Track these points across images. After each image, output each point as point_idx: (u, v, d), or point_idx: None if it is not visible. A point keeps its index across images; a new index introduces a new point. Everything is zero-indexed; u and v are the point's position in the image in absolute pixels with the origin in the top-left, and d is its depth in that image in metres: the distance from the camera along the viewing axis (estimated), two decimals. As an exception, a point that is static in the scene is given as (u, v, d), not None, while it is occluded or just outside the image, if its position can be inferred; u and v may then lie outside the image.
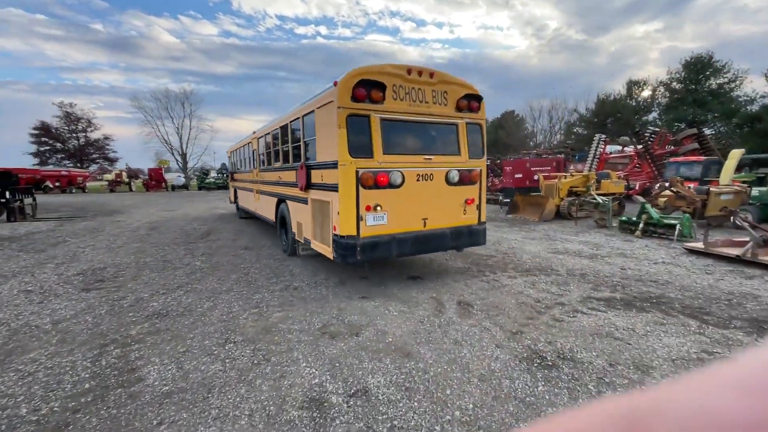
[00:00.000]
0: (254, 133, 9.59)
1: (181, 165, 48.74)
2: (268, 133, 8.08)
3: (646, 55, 73.76)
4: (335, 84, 4.51)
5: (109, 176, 40.64)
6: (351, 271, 5.99)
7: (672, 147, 18.68)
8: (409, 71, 4.81)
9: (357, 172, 4.53)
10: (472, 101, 5.33)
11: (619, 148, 22.56)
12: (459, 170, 5.23)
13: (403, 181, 4.80)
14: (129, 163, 42.83)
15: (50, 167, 43.19)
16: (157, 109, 51.20)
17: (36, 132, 46.46)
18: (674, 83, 34.49)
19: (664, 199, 10.87)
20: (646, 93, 38.61)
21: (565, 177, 12.58)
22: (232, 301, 4.69)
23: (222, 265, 6.48)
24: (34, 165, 43.89)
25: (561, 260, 6.57)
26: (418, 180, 4.92)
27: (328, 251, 4.98)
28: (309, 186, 5.53)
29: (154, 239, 9.25)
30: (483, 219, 5.58)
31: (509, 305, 4.41)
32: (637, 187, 16.92)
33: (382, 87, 4.62)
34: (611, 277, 5.53)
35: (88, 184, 42.72)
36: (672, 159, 15.36)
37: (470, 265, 6.33)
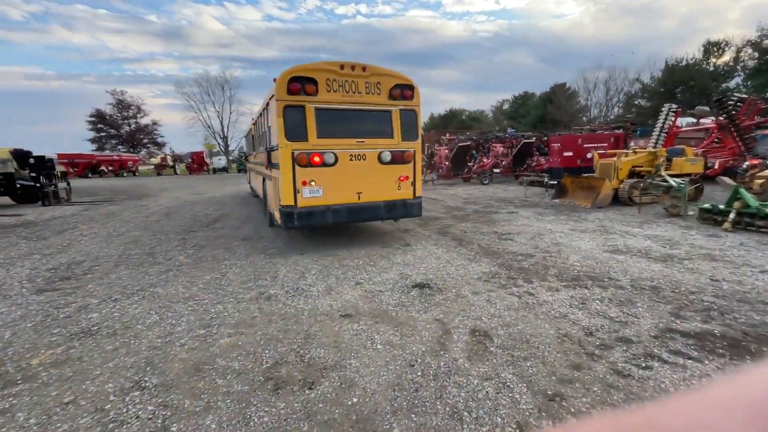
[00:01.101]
0: (252, 119, 10.77)
1: (222, 148, 49.99)
2: (256, 121, 9.53)
3: (724, 16, 64.06)
4: (275, 81, 5.53)
5: (155, 160, 42.43)
6: (350, 277, 4.88)
7: (762, 117, 15.42)
8: (342, 66, 5.70)
9: (293, 153, 5.54)
10: (405, 90, 6.14)
11: (692, 120, 19.27)
12: (391, 151, 6.15)
13: (336, 161, 5.80)
14: (173, 147, 44.50)
15: (106, 152, 45.94)
16: (199, 94, 52.20)
17: (92, 119, 49.55)
18: (766, 41, 29.13)
19: (761, 180, 8.60)
20: (727, 56, 33.20)
21: (626, 155, 10.50)
22: (185, 314, 3.75)
23: (204, 261, 5.64)
24: (92, 150, 46.93)
25: (622, 264, 5.01)
26: (351, 159, 5.90)
27: (278, 218, 6.05)
28: (270, 165, 6.71)
29: (158, 227, 8.71)
30: (418, 194, 6.49)
31: (546, 340, 3.07)
32: (716, 166, 14.15)
33: (314, 82, 5.54)
34: (699, 293, 3.94)
35: (139, 167, 45.04)
36: (766, 131, 12.50)
37: (499, 268, 4.97)
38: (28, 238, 7.85)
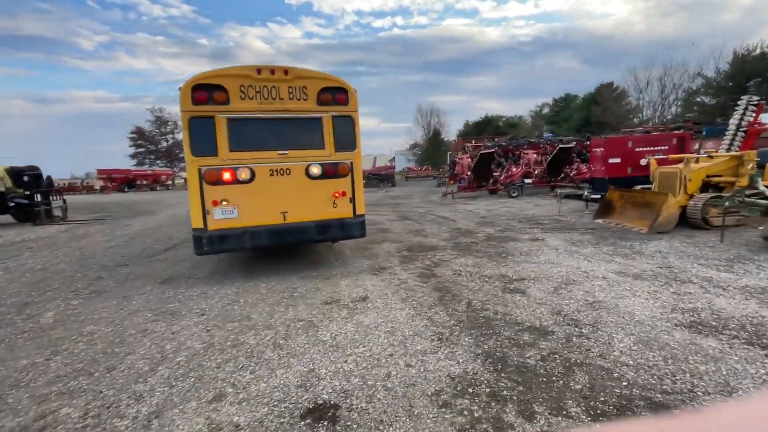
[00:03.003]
0: None
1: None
2: None
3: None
4: (180, 90, 4.80)
5: (185, 174, 43.30)
6: (212, 381, 2.96)
7: None
8: (259, 71, 4.96)
9: (199, 170, 4.80)
10: (337, 94, 5.31)
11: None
12: (322, 164, 5.27)
13: (253, 176, 5.00)
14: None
15: (145, 167, 47.75)
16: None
17: (133, 136, 51.94)
18: None
19: None
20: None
21: (697, 160, 7.83)
22: None
23: (71, 324, 3.97)
24: (133, 166, 49.04)
25: (715, 362, 2.69)
26: (272, 175, 5.09)
27: None
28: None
29: (99, 257, 7.31)
30: (359, 212, 5.54)
31: None
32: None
33: (224, 89, 4.83)
34: None
35: (174, 181, 46.29)
36: None
37: (482, 365, 2.83)
38: (-55, 271, 6.70)
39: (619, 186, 9.07)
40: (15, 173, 13.71)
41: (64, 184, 38.34)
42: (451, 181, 19.21)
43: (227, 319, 3.92)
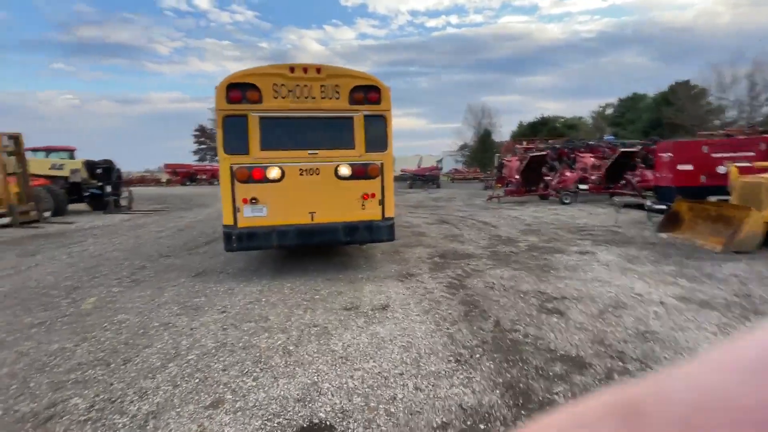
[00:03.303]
0: None
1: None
2: None
3: None
4: (216, 89, 4.86)
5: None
6: (215, 384, 2.90)
7: None
8: (292, 69, 4.96)
9: (231, 167, 4.85)
10: (369, 92, 5.19)
11: None
12: (351, 164, 5.18)
13: (283, 176, 5.00)
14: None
15: (205, 162, 51.24)
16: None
17: (196, 133, 55.96)
18: None
19: None
20: None
21: (792, 169, 6.66)
22: None
23: (103, 312, 4.19)
24: (195, 161, 52.87)
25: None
26: (301, 174, 5.04)
27: None
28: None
29: (149, 246, 7.81)
30: (388, 214, 5.39)
31: None
32: None
33: (257, 88, 4.84)
34: None
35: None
36: None
37: (500, 397, 2.50)
38: (21, 253, 7.50)
39: (688, 196, 8.01)
40: (90, 166, 15.22)
41: (133, 177, 42.25)
42: (498, 185, 18.38)
43: (245, 319, 3.90)
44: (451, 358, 3.01)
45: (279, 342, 3.37)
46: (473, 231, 8.79)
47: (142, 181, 42.02)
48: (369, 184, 5.22)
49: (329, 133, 5.18)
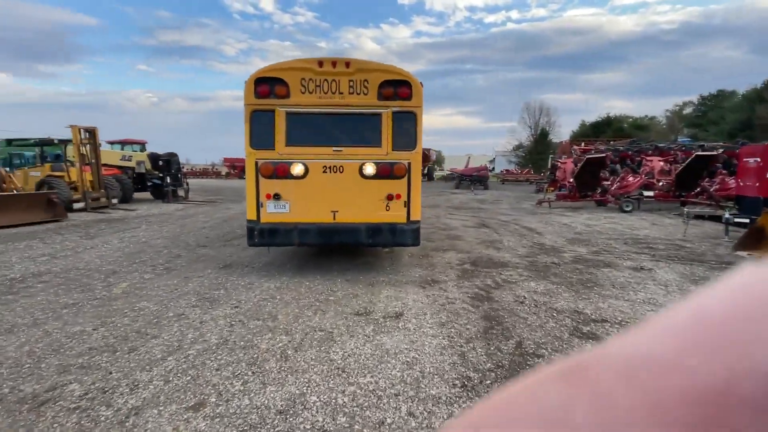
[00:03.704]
0: None
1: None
2: None
3: None
4: (245, 83, 4.87)
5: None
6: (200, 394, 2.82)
7: None
8: (320, 63, 4.82)
9: (256, 163, 4.83)
10: (399, 88, 4.92)
11: None
12: (377, 163, 4.94)
13: (306, 172, 4.89)
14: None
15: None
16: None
17: (255, 130, 58.96)
18: None
19: None
20: None
21: None
22: None
23: (131, 299, 4.36)
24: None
25: None
26: (325, 171, 4.92)
27: None
28: None
29: (189, 236, 8.22)
30: (414, 217, 5.08)
31: None
32: None
33: (284, 83, 4.77)
34: None
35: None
36: None
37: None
38: (84, 235, 8.23)
39: (779, 210, 6.77)
40: (154, 158, 16.52)
41: (196, 169, 45.40)
42: (551, 188, 17.20)
43: (255, 316, 3.83)
44: (457, 382, 2.68)
45: (280, 344, 3.24)
46: (514, 237, 8.18)
47: (204, 173, 45.12)
48: (395, 185, 4.94)
49: (355, 129, 5.00)
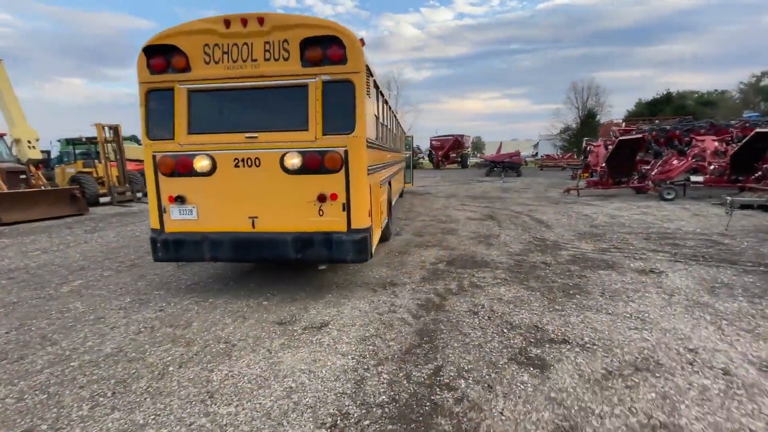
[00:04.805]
0: None
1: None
2: None
3: None
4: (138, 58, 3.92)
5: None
6: None
7: None
8: (227, 23, 3.70)
9: (154, 157, 3.91)
10: (329, 48, 3.68)
11: None
12: (302, 152, 3.78)
13: (214, 168, 3.87)
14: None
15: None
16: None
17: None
18: None
19: None
20: None
21: None
22: None
23: (66, 300, 4.30)
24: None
25: None
26: (237, 165, 3.85)
27: None
28: None
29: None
30: (358, 224, 3.86)
31: None
32: None
33: (182, 52, 3.75)
34: None
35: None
36: None
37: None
38: (89, 230, 8.57)
39: None
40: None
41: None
42: (585, 174, 15.66)
43: (170, 323, 3.57)
44: (328, 420, 2.20)
45: (169, 358, 2.93)
46: (516, 231, 7.34)
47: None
48: (327, 181, 3.76)
49: (275, 108, 3.93)
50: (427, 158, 42.10)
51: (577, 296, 4.00)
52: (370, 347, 3.03)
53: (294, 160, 3.76)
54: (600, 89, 49.08)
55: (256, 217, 3.89)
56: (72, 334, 3.38)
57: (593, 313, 3.58)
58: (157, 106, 3.91)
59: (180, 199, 3.91)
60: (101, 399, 2.44)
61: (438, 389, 2.47)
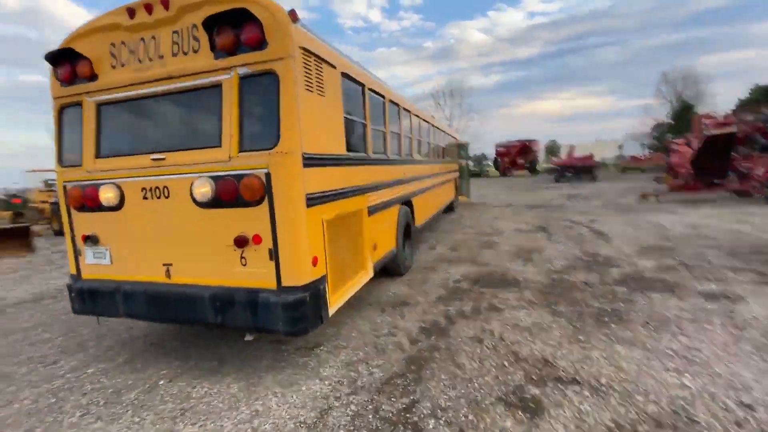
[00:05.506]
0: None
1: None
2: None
3: None
4: None
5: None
6: None
7: None
8: (131, 12, 2.85)
9: (64, 186, 3.25)
10: (243, 28, 2.58)
11: None
12: (214, 177, 2.72)
13: (122, 200, 3.04)
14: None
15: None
16: (440, 106, 55.17)
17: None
18: None
19: None
20: None
21: None
22: None
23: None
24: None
25: None
26: (145, 197, 2.96)
27: None
28: None
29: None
30: (294, 279, 2.66)
31: None
32: None
33: (86, 57, 3.01)
34: None
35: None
36: None
37: None
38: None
39: None
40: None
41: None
42: (669, 176, 13.65)
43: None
44: (275, 453, 2.10)
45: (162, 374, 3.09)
46: (566, 245, 6.59)
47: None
48: (246, 218, 2.70)
49: (185, 119, 3.11)
50: (492, 166, 40.46)
51: (612, 325, 3.40)
52: (352, 373, 2.88)
53: (203, 189, 2.74)
54: (700, 77, 42.86)
55: (171, 265, 2.98)
56: None
57: (625, 347, 3.00)
58: (68, 126, 3.25)
59: (92, 240, 3.18)
60: None
61: (402, 428, 2.24)
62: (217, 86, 2.75)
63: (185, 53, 2.79)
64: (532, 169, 36.58)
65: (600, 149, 50.31)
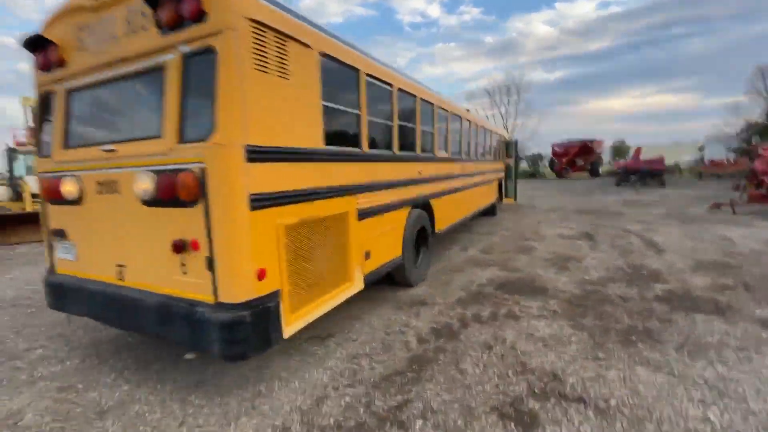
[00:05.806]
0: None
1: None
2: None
3: None
4: None
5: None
6: None
7: None
8: None
9: (41, 179, 3.21)
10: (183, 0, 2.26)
11: None
12: (155, 171, 2.46)
13: (82, 194, 2.93)
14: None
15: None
16: (495, 103, 53.23)
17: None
18: None
19: None
20: None
21: None
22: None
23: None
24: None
25: None
26: (99, 191, 2.83)
27: None
28: None
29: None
30: (233, 295, 2.31)
31: None
32: None
33: (54, 43, 2.92)
34: None
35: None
36: None
37: None
38: None
39: None
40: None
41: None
42: (751, 184, 12.07)
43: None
44: (266, 431, 2.24)
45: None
46: (610, 254, 6.13)
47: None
48: (183, 219, 2.39)
49: (134, 105, 2.89)
50: (548, 167, 38.33)
51: (639, 344, 3.14)
52: (355, 366, 2.96)
53: (144, 185, 2.48)
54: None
55: (124, 266, 2.79)
56: None
57: (648, 370, 2.76)
58: (46, 114, 3.21)
59: (60, 234, 3.12)
60: None
61: (388, 425, 2.27)
62: (159, 70, 2.48)
63: (134, 31, 2.54)
64: (594, 171, 34.11)
65: (677, 152, 45.55)
